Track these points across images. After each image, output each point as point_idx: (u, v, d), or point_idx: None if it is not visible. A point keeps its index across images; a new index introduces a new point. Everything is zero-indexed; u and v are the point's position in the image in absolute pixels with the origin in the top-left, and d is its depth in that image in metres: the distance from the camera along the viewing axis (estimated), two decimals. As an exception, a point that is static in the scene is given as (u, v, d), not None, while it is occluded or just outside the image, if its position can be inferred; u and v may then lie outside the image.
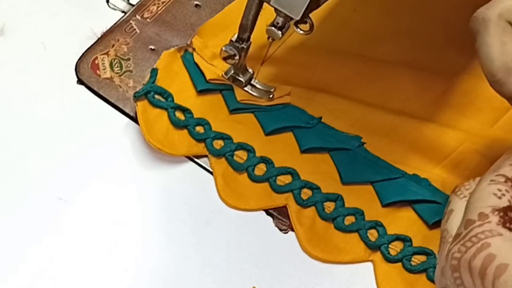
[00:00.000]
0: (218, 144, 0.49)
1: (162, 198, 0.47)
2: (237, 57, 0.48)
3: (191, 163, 0.49)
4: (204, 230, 0.46)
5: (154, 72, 0.51)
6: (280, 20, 0.45)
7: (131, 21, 0.55)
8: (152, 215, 0.46)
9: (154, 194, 0.47)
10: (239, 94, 0.51)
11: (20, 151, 0.48)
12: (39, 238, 0.45)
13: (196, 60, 0.52)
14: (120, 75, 0.52)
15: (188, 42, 0.53)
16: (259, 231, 0.46)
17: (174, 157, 0.48)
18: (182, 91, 0.51)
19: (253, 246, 0.45)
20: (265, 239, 0.45)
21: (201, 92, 0.51)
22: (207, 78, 0.51)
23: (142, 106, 0.49)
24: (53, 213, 0.46)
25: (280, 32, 0.45)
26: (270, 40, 0.47)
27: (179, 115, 0.50)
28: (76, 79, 0.52)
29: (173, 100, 0.50)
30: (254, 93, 0.51)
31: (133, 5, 0.56)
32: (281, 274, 0.44)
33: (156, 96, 0.50)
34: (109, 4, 0.56)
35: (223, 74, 0.51)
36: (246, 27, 0.46)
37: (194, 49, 0.52)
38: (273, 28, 0.45)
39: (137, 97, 0.49)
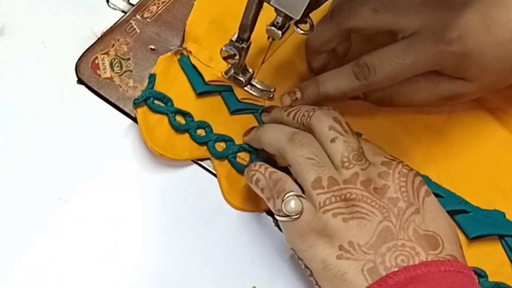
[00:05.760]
0: (220, 146, 0.49)
1: (162, 198, 0.47)
2: (237, 57, 0.48)
3: (191, 163, 0.49)
4: (204, 230, 0.46)
5: (152, 77, 0.51)
6: (280, 20, 0.45)
7: (131, 21, 0.55)
8: (152, 215, 0.46)
9: (154, 194, 0.47)
10: (239, 93, 0.50)
11: (20, 151, 0.48)
12: (39, 238, 0.45)
13: (193, 63, 0.52)
14: (120, 75, 0.52)
15: (183, 46, 0.53)
16: (259, 231, 0.46)
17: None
18: (182, 94, 0.51)
19: (253, 246, 0.45)
20: (265, 239, 0.45)
21: (200, 94, 0.51)
22: (206, 80, 0.51)
23: (142, 113, 0.49)
24: (53, 213, 0.46)
25: (280, 32, 0.45)
26: (270, 40, 0.47)
27: (180, 119, 0.50)
28: (76, 79, 0.52)
29: (172, 104, 0.50)
30: (254, 93, 0.51)
31: (133, 5, 0.56)
32: (281, 274, 0.44)
33: (156, 102, 0.50)
34: (109, 4, 0.56)
35: (223, 74, 0.51)
36: (246, 27, 0.46)
37: (190, 52, 0.52)
38: (273, 28, 0.45)
39: (136, 103, 0.49)
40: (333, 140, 0.41)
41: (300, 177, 0.41)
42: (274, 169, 0.43)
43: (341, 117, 0.43)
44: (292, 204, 0.40)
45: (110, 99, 0.51)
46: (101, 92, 0.51)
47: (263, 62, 0.51)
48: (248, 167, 0.45)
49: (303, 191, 0.41)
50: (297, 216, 0.39)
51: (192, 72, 0.51)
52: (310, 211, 0.39)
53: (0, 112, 0.50)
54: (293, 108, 0.46)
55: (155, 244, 0.45)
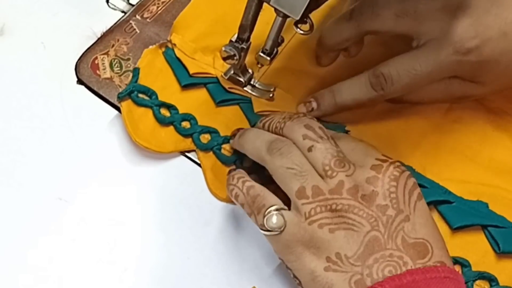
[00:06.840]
0: (205, 138, 0.49)
1: (162, 198, 0.47)
2: (236, 57, 0.48)
3: (191, 163, 0.49)
4: (204, 230, 0.46)
5: (136, 71, 0.51)
6: (268, 46, 0.45)
7: (131, 21, 0.55)
8: (152, 215, 0.46)
9: (154, 194, 0.47)
10: (225, 83, 0.51)
11: (20, 151, 0.48)
12: (39, 238, 0.45)
13: (178, 55, 0.52)
14: (120, 75, 0.52)
15: (168, 39, 0.53)
16: (259, 231, 0.46)
17: (162, 154, 0.48)
18: (166, 87, 0.51)
19: (253, 246, 0.45)
20: (265, 239, 0.45)
21: (185, 87, 0.51)
22: (190, 72, 0.51)
23: (127, 106, 0.49)
24: (53, 213, 0.46)
25: (268, 58, 0.46)
26: (259, 65, 0.47)
27: (164, 112, 0.50)
28: (76, 79, 0.52)
29: (157, 97, 0.50)
30: (254, 93, 0.51)
31: (133, 5, 0.56)
32: (281, 274, 0.44)
33: (140, 95, 0.50)
34: (109, 4, 0.56)
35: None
36: (246, 27, 0.46)
37: (174, 44, 0.52)
38: (261, 54, 0.46)
39: (120, 97, 0.49)
40: (310, 149, 0.40)
41: (284, 187, 0.40)
42: (251, 183, 0.42)
43: (313, 123, 0.42)
44: (274, 220, 0.39)
45: (110, 100, 0.51)
46: (100, 92, 0.51)
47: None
48: (227, 179, 0.44)
49: (288, 199, 0.40)
50: (281, 229, 0.39)
51: (176, 65, 0.52)
52: (294, 222, 0.39)
53: (0, 112, 0.50)
54: (267, 119, 0.45)
55: (155, 244, 0.45)
